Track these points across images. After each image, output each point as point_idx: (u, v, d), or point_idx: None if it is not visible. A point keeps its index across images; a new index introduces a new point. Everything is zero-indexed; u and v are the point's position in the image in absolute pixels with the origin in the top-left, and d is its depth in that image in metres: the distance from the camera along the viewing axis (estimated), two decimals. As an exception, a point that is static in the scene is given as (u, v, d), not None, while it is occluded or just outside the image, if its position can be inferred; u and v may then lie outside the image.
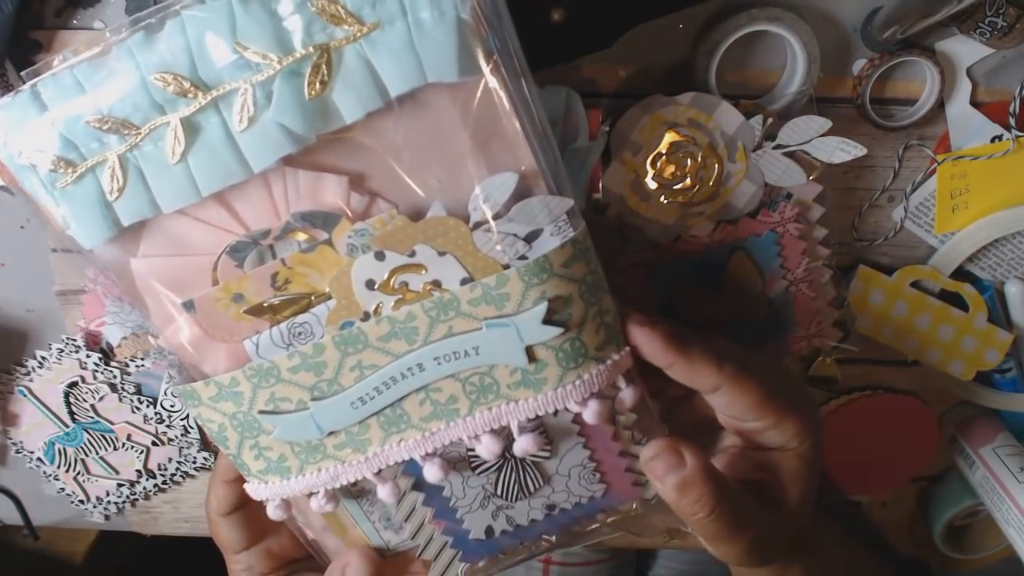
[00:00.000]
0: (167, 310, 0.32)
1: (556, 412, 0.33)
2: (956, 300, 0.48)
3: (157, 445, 0.57)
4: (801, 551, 0.38)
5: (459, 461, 0.36)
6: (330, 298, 0.31)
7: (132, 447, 0.57)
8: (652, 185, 0.41)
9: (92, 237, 0.30)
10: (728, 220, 0.42)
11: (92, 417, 0.55)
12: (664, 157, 0.40)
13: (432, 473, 0.34)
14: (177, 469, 0.58)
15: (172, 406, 0.54)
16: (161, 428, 0.55)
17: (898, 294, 0.48)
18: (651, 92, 0.40)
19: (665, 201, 0.41)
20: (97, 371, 0.53)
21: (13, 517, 0.62)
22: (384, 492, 0.34)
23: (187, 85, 0.27)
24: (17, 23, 0.41)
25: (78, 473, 0.58)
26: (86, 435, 0.56)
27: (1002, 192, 0.45)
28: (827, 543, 0.42)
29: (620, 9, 0.39)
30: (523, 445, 0.33)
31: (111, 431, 0.56)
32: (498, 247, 0.30)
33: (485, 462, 0.36)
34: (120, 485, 0.59)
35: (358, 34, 0.27)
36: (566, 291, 0.30)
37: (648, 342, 0.32)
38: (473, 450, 0.34)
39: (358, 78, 0.28)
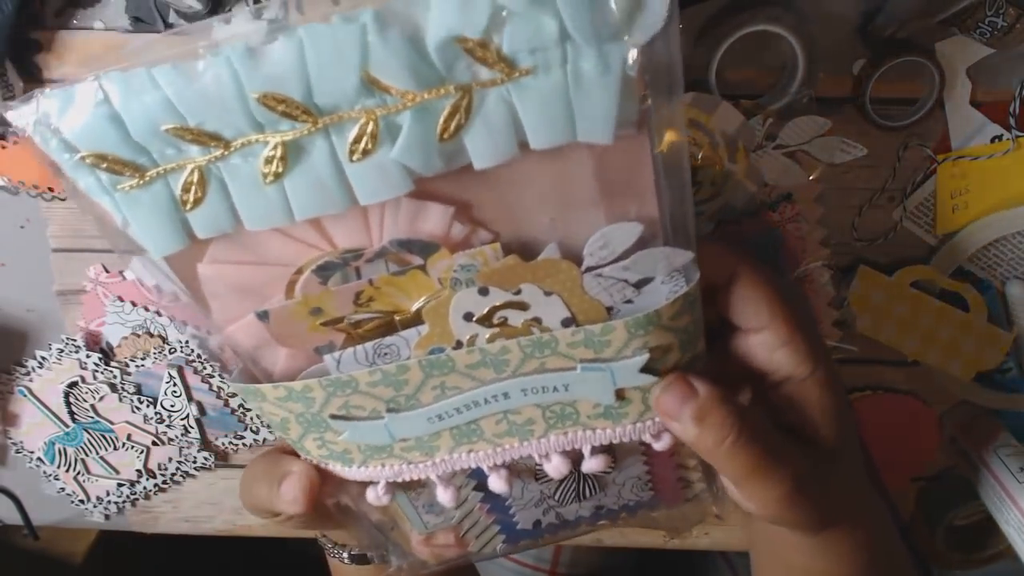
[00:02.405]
0: (232, 312, 0.31)
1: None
2: (956, 300, 0.48)
3: (157, 445, 0.57)
4: (854, 520, 0.36)
5: (524, 470, 0.36)
6: (417, 320, 0.30)
7: (132, 447, 0.57)
8: (652, 185, 0.41)
9: (161, 247, 0.27)
10: (728, 220, 0.42)
11: (92, 417, 0.55)
12: (664, 157, 0.40)
13: (497, 484, 0.34)
14: (177, 469, 0.58)
15: (172, 406, 0.54)
16: (161, 428, 0.55)
17: (898, 294, 0.48)
18: (651, 92, 0.40)
19: (665, 201, 0.41)
20: (97, 371, 0.53)
21: (13, 517, 0.62)
22: (444, 496, 0.35)
23: (299, 111, 0.24)
24: (17, 23, 0.41)
25: (78, 473, 0.58)
26: (86, 435, 0.56)
27: (1002, 192, 0.45)
28: (881, 523, 0.40)
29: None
30: (592, 466, 0.33)
31: (111, 431, 0.56)
32: (607, 291, 0.29)
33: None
34: (120, 485, 0.59)
35: (506, 78, 0.24)
36: (667, 341, 0.30)
37: None
38: (542, 467, 0.34)
39: (498, 124, 0.25)
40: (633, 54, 0.24)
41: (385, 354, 0.30)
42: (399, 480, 0.34)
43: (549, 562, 0.81)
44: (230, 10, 0.41)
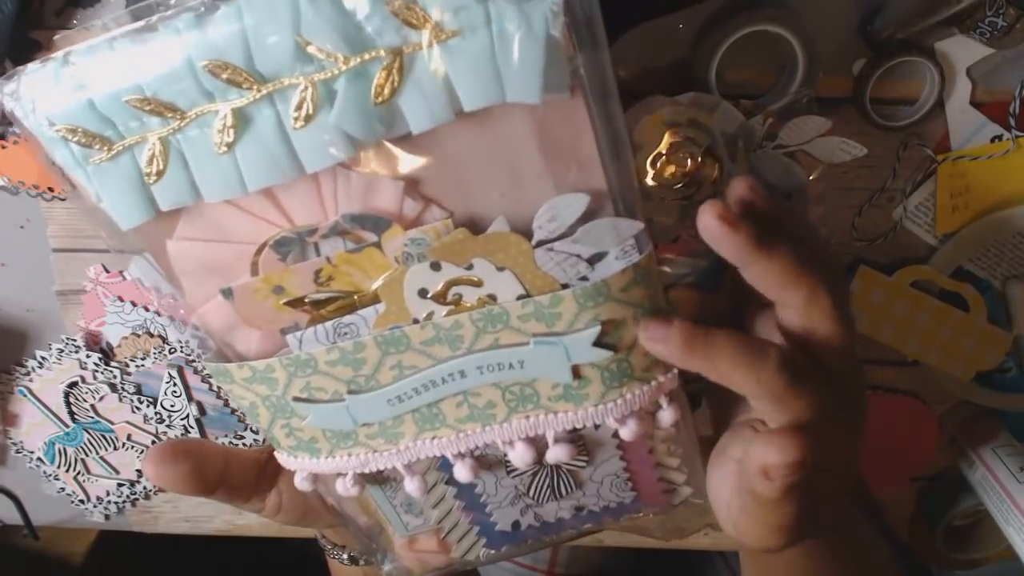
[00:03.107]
0: (202, 291, 0.31)
1: (597, 426, 0.33)
2: (956, 300, 0.48)
3: (157, 445, 0.57)
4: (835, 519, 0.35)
5: (494, 463, 0.36)
6: (375, 299, 0.30)
7: (132, 447, 0.57)
8: (652, 185, 0.41)
9: (128, 218, 0.29)
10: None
11: (92, 417, 0.55)
12: (664, 157, 0.40)
13: (462, 473, 0.34)
14: (177, 469, 0.58)
15: (172, 406, 0.54)
16: (161, 428, 0.55)
17: (898, 294, 0.48)
18: (651, 92, 0.40)
19: (665, 201, 0.41)
20: (97, 371, 0.53)
21: (13, 517, 0.62)
22: (411, 486, 0.34)
23: (242, 76, 0.25)
24: (17, 23, 0.41)
25: (78, 473, 0.58)
26: (86, 435, 0.56)
27: (1002, 192, 0.45)
28: (852, 518, 0.40)
29: (620, 9, 0.39)
30: (556, 454, 0.33)
31: (111, 431, 0.56)
32: (559, 266, 0.29)
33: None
34: (120, 485, 0.59)
35: (435, 40, 0.25)
36: (620, 315, 0.29)
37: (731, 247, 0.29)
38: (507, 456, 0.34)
39: (430, 87, 0.25)
40: (554, 12, 0.24)
41: (345, 333, 0.30)
42: (366, 470, 0.34)
43: (547, 562, 0.81)
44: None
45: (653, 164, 0.40)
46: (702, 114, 0.40)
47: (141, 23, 0.25)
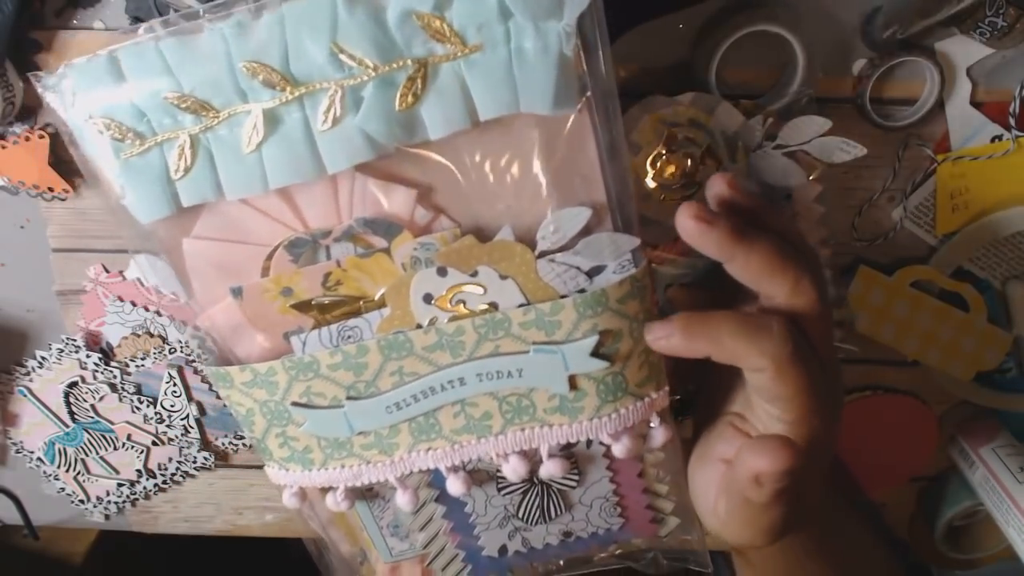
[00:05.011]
0: (212, 292, 0.32)
1: (589, 443, 0.33)
2: (956, 300, 0.48)
3: (157, 445, 0.57)
4: (814, 519, 0.36)
5: (486, 480, 0.36)
6: (381, 305, 0.31)
7: (132, 447, 0.57)
8: (652, 185, 0.41)
9: (149, 212, 0.30)
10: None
11: (92, 417, 0.55)
12: (664, 157, 0.40)
13: (455, 486, 0.34)
14: (177, 469, 0.58)
15: (172, 406, 0.54)
16: (161, 428, 0.55)
17: (898, 294, 0.48)
18: (651, 92, 0.40)
19: (665, 201, 0.41)
20: (97, 371, 0.53)
21: (13, 517, 0.62)
22: (403, 499, 0.34)
23: (276, 77, 0.27)
24: (17, 23, 0.41)
25: (78, 473, 0.58)
26: (86, 435, 0.56)
27: (1002, 192, 0.45)
28: (839, 515, 0.41)
29: (620, 9, 0.39)
30: (550, 469, 0.33)
31: (111, 431, 0.56)
32: (560, 278, 0.30)
33: (512, 484, 0.36)
34: (120, 485, 0.59)
35: (458, 53, 0.27)
36: (617, 326, 0.30)
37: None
38: (501, 470, 0.34)
39: (451, 96, 0.27)
40: (567, 33, 0.26)
41: (348, 336, 0.31)
42: (359, 483, 0.34)
43: None
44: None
45: (653, 164, 0.40)
46: (702, 114, 0.40)
47: (187, 24, 0.27)
